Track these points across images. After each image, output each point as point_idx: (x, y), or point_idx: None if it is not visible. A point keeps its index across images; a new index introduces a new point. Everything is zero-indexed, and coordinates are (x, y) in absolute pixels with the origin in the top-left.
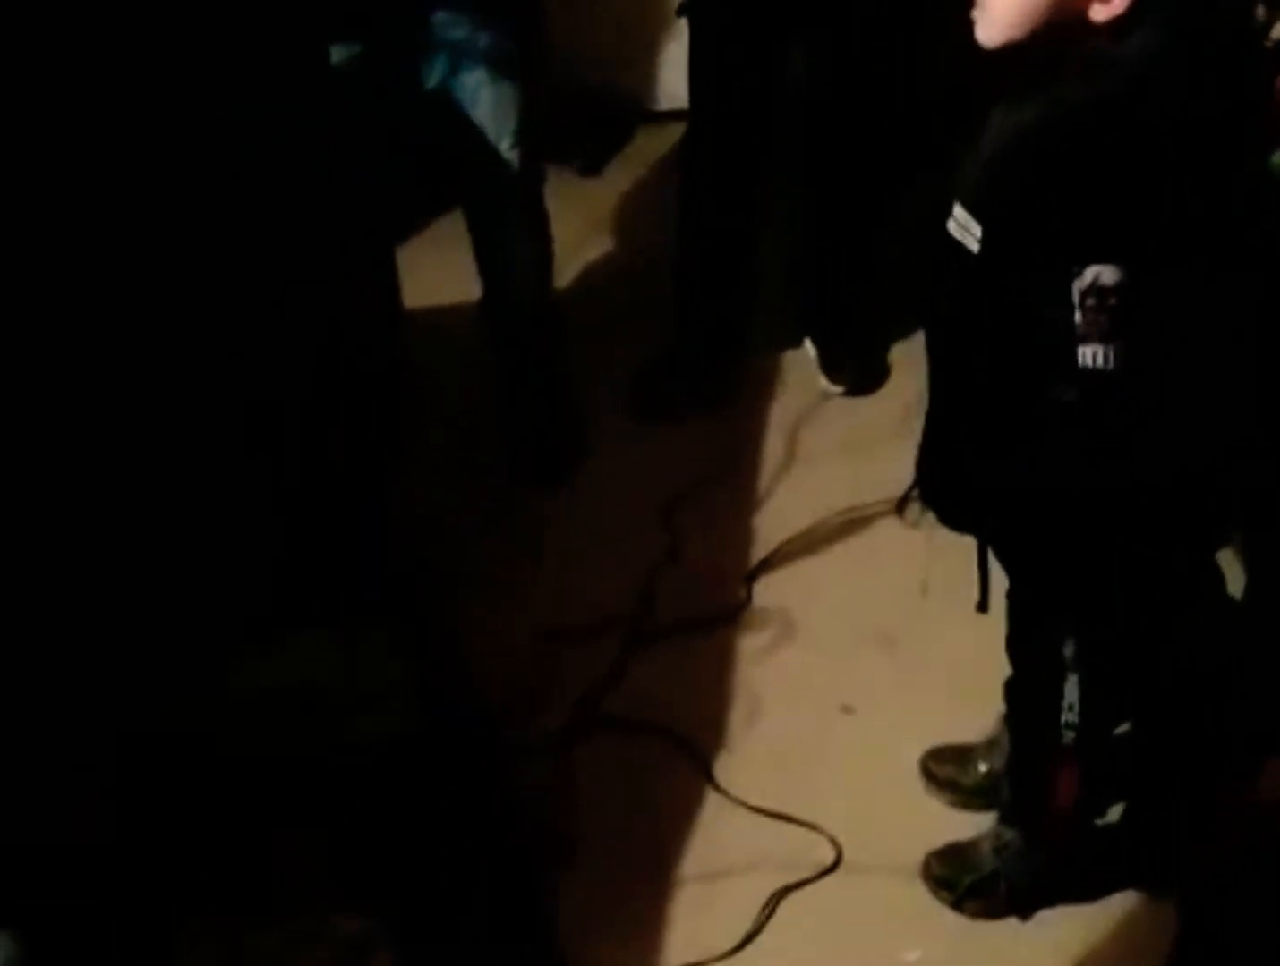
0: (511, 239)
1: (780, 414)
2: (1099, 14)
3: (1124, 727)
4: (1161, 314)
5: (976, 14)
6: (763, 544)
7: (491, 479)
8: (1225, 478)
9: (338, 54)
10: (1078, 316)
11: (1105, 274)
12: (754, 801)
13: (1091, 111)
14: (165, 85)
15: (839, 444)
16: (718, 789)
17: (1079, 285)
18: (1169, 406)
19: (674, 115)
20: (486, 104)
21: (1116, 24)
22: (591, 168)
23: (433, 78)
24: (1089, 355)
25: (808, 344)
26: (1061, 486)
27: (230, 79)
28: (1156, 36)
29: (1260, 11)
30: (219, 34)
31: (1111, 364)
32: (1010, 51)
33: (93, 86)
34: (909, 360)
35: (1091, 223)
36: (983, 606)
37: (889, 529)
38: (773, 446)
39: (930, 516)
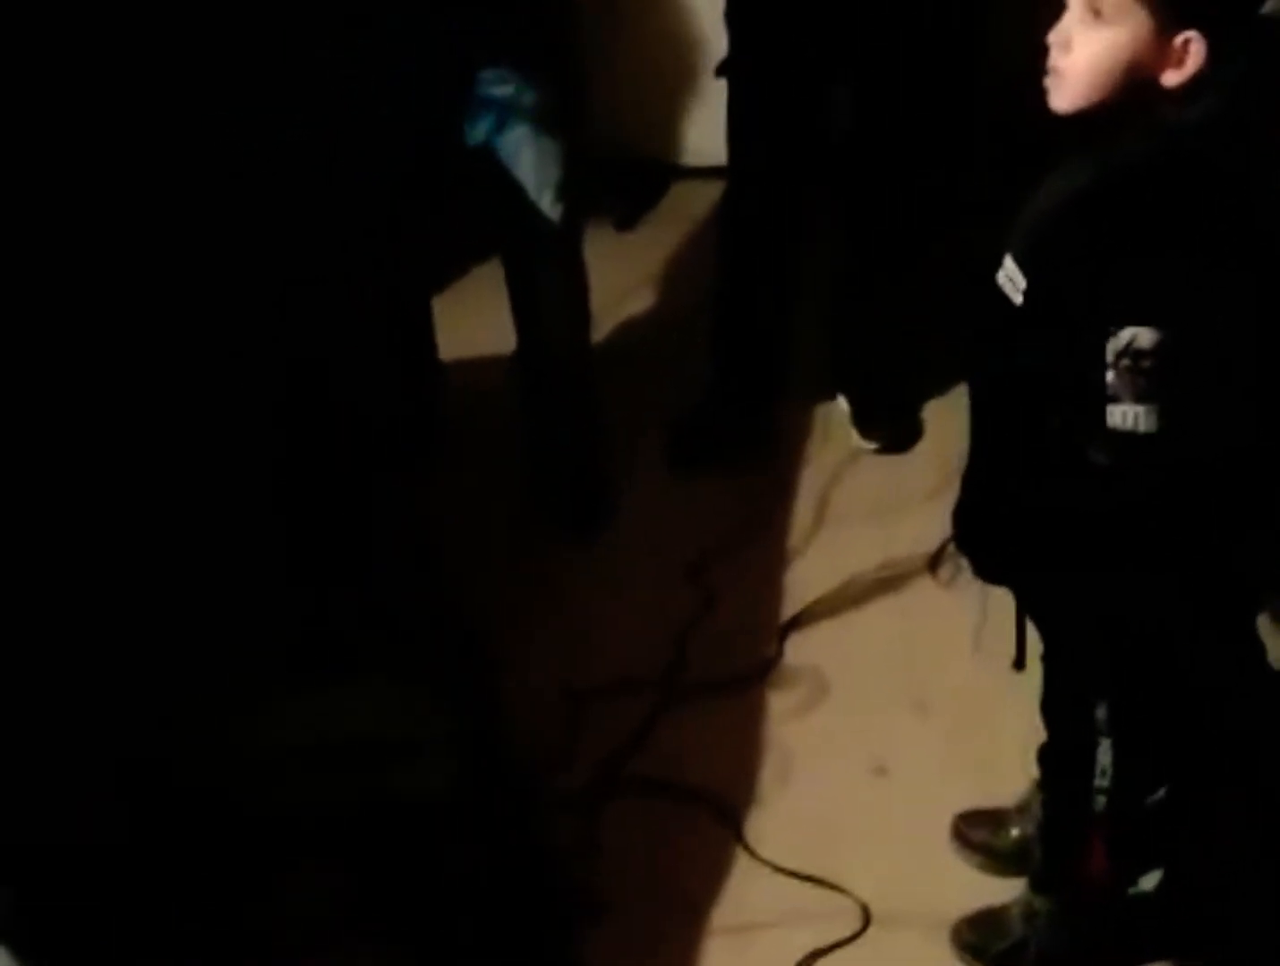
0: (551, 293)
1: (813, 470)
2: (1171, 79)
3: (1160, 795)
4: (1201, 378)
5: (1050, 81)
6: (794, 601)
7: (524, 532)
8: (1262, 546)
9: (386, 109)
10: (1111, 376)
11: (1142, 336)
12: (784, 862)
13: (1144, 176)
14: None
15: (872, 501)
16: (748, 849)
17: (1114, 345)
18: (1206, 473)
19: (706, 171)
20: (530, 160)
21: (1185, 89)
22: (626, 223)
23: (477, 134)
24: (1120, 415)
25: (841, 400)
26: (1096, 548)
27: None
28: (1219, 103)
29: None
30: (241, 90)
31: (1143, 426)
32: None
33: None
34: (943, 418)
35: (1132, 285)
36: (1019, 664)
37: (922, 587)
38: (805, 503)
39: (964, 575)
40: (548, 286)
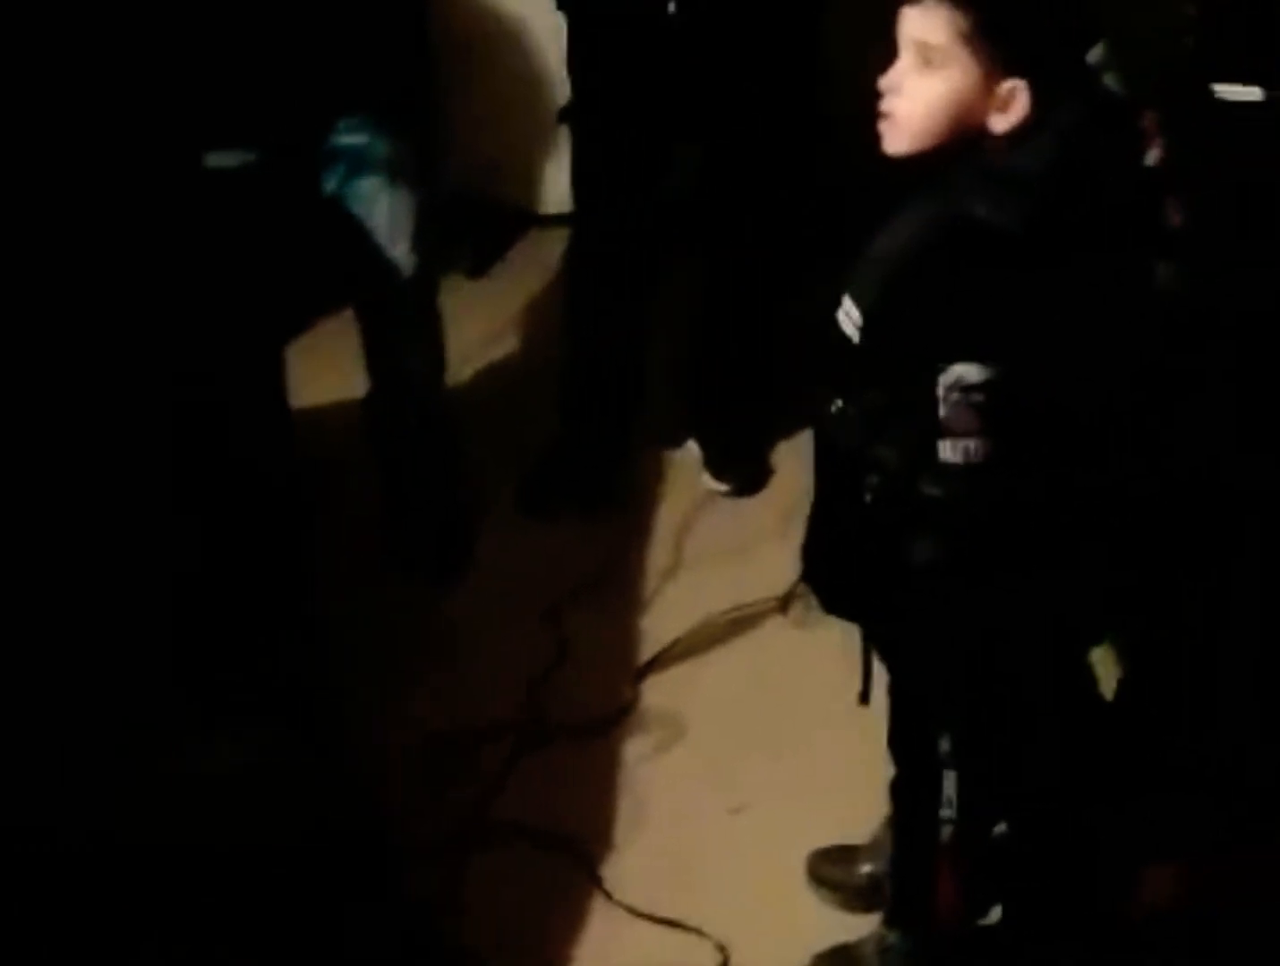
0: (406, 342)
1: (666, 514)
2: (998, 124)
3: (1004, 826)
4: (1029, 414)
5: (883, 126)
6: (650, 645)
7: (380, 580)
8: (1092, 580)
9: (235, 159)
10: (941, 410)
11: (971, 372)
12: (642, 906)
13: (973, 220)
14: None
15: (724, 544)
16: (605, 894)
17: (944, 380)
18: (1036, 507)
19: (560, 218)
20: (383, 210)
21: (1014, 136)
22: (480, 270)
23: (330, 183)
24: (948, 449)
25: (692, 443)
26: (932, 580)
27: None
28: (1050, 152)
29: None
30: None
31: (970, 459)
32: (913, 158)
33: None
34: (793, 460)
35: (961, 322)
36: (864, 697)
37: (775, 627)
38: (659, 546)
39: (816, 613)
40: (402, 335)
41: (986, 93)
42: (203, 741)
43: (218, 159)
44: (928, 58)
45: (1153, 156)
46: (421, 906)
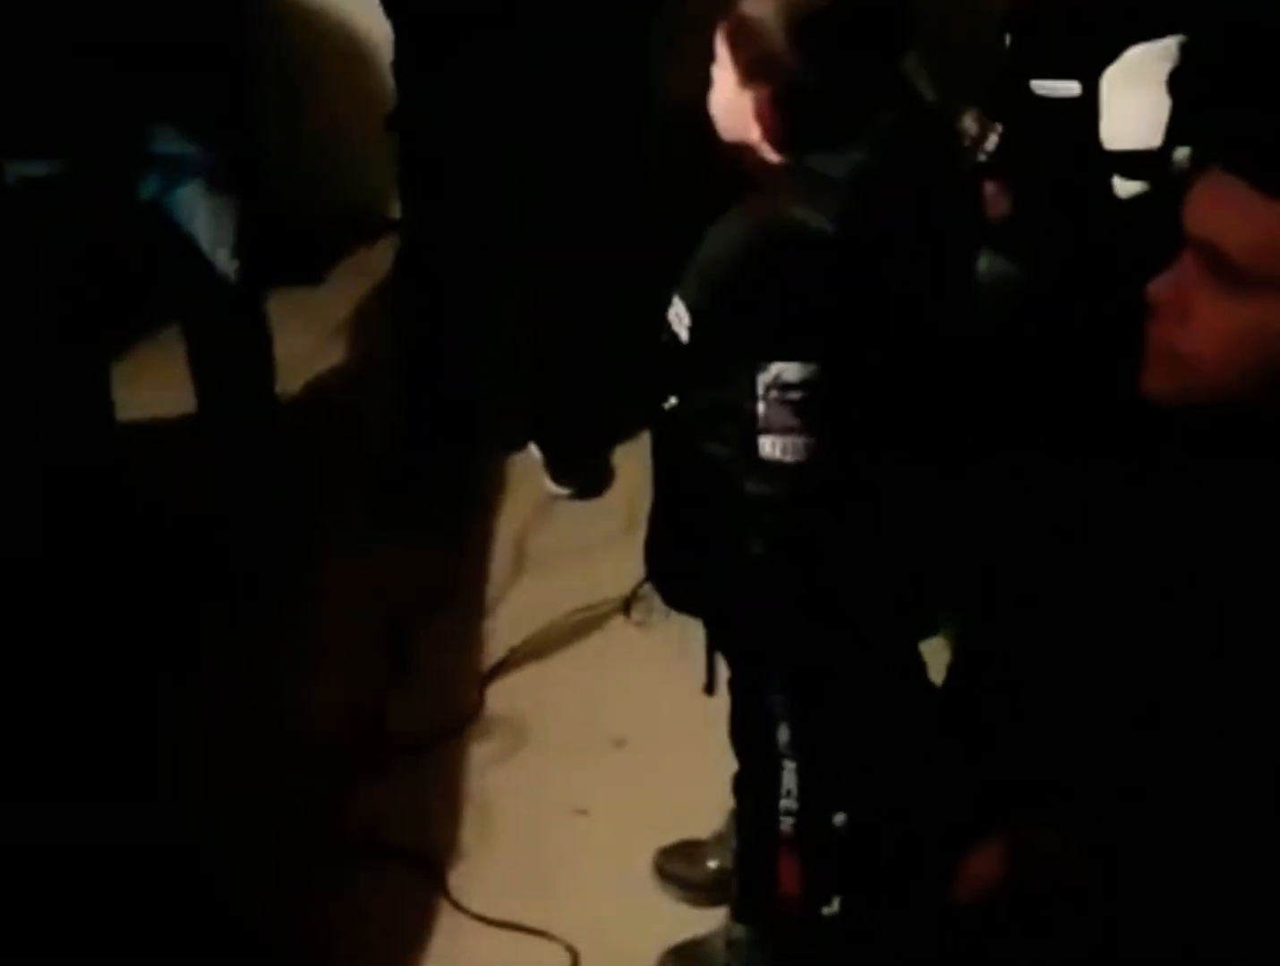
0: (230, 351)
1: (508, 518)
2: (753, 134)
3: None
4: (845, 411)
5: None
6: (495, 651)
7: (217, 596)
8: (920, 574)
9: (46, 167)
10: (760, 407)
11: (788, 371)
12: (490, 913)
13: (793, 227)
14: None
15: (567, 546)
16: (452, 902)
17: (763, 378)
18: (861, 503)
19: (391, 224)
20: (202, 218)
21: (828, 141)
22: (313, 277)
23: (147, 190)
24: (769, 445)
25: (533, 447)
26: (761, 575)
27: None
28: (861, 155)
29: (971, 125)
30: None
31: (791, 456)
32: (737, 163)
33: None
34: (634, 461)
35: (778, 325)
36: (709, 689)
37: (618, 628)
38: (501, 551)
39: (658, 614)
40: (226, 345)
41: (742, 99)
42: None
43: (22, 168)
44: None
45: (991, 143)
46: (262, 926)
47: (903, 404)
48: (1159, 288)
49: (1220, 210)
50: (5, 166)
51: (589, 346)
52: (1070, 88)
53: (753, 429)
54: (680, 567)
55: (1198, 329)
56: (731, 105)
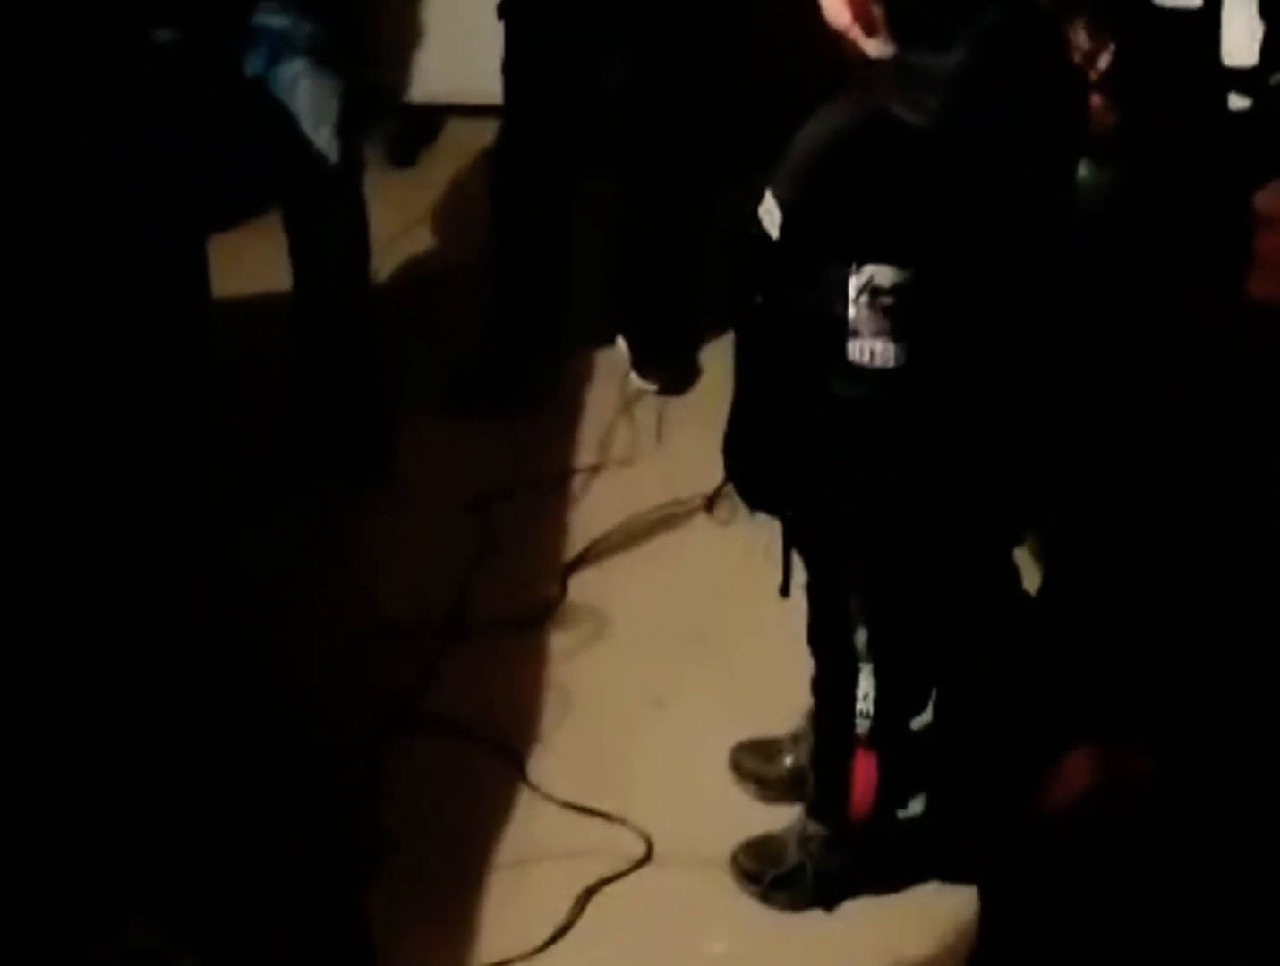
0: (329, 230)
1: (593, 412)
2: (855, 25)
3: (924, 718)
4: (945, 317)
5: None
6: (577, 541)
7: (302, 473)
8: (1012, 481)
9: (157, 37)
10: (851, 311)
11: (881, 274)
12: (566, 797)
13: (894, 126)
14: None
15: (652, 442)
16: (530, 785)
17: (855, 281)
18: (956, 410)
19: (484, 109)
20: (306, 94)
21: (931, 38)
22: (404, 160)
23: (253, 66)
24: (859, 350)
25: (620, 342)
26: (852, 477)
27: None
28: (962, 54)
29: (1083, 39)
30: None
31: (880, 361)
32: (837, 56)
33: None
34: (720, 359)
35: (875, 226)
36: (785, 590)
37: (700, 526)
38: (586, 444)
39: (741, 513)
40: (326, 223)
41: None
42: (113, 648)
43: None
44: None
45: (1105, 61)
46: (339, 797)
47: (998, 312)
48: (1269, 199)
49: None
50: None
51: (676, 240)
52: (1192, 0)
53: (843, 331)
54: (761, 467)
55: None
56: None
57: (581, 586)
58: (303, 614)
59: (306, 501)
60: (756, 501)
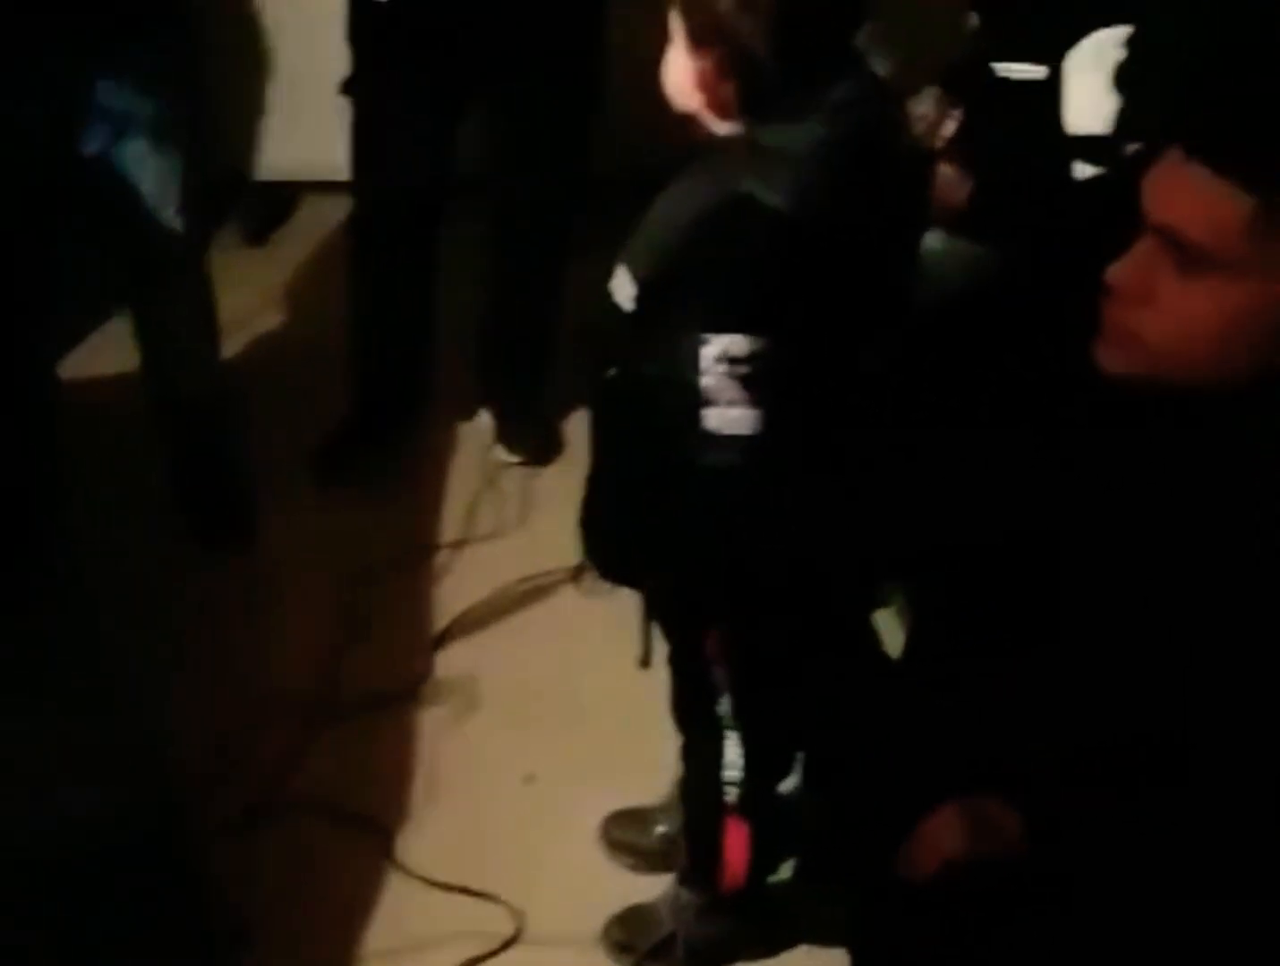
0: (176, 310)
1: (459, 485)
2: (701, 104)
3: (791, 783)
4: (797, 385)
5: None
6: (444, 616)
7: (166, 553)
8: (868, 546)
9: None
10: (707, 381)
11: (735, 343)
12: (437, 876)
13: (745, 200)
14: None
15: (517, 514)
16: (400, 866)
17: (709, 351)
18: (807, 476)
19: (338, 186)
20: (151, 173)
21: (785, 114)
22: (258, 238)
23: (94, 144)
24: (713, 418)
25: (484, 414)
26: (712, 546)
27: None
28: (817, 131)
29: (929, 107)
30: None
31: (735, 429)
32: (687, 134)
33: None
34: (583, 429)
35: (728, 297)
36: (645, 662)
37: (568, 596)
38: (452, 518)
39: (606, 584)
40: (172, 303)
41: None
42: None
43: None
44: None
45: (949, 128)
46: (210, 881)
47: (850, 379)
48: (1120, 272)
49: (1181, 195)
50: None
51: (538, 314)
52: (1034, 70)
53: (697, 401)
54: (619, 539)
55: (1161, 313)
56: (680, 74)
57: (450, 661)
58: (169, 694)
59: (169, 581)
60: (614, 575)
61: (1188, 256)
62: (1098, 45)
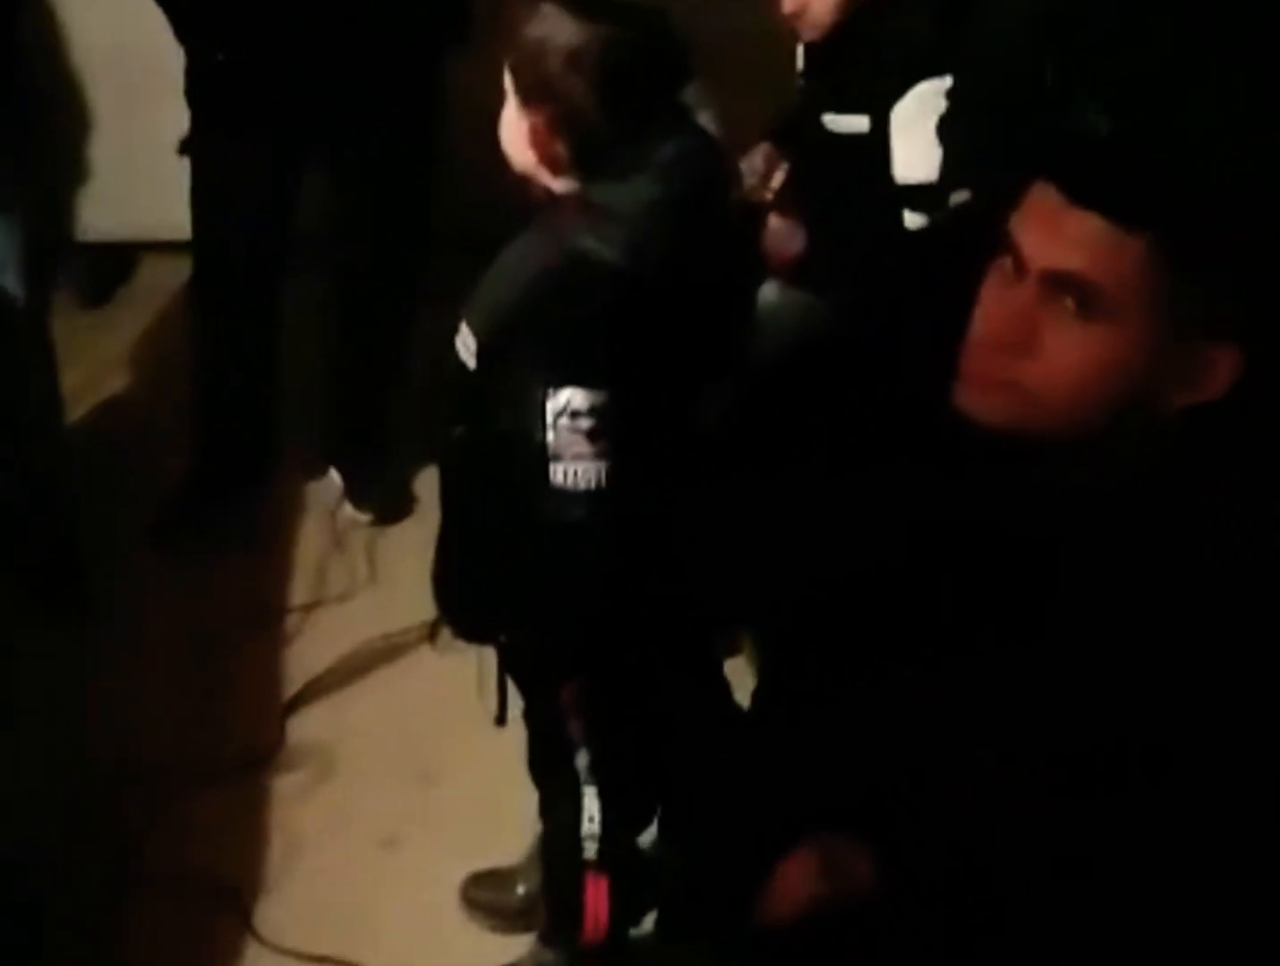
0: (18, 376)
1: (308, 545)
2: (534, 162)
3: (650, 835)
4: (638, 437)
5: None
6: (296, 679)
7: (10, 626)
8: (717, 596)
9: None
10: (550, 435)
11: (577, 397)
12: (296, 945)
13: (581, 257)
14: None
15: (368, 573)
16: (258, 937)
17: (552, 406)
18: (655, 527)
19: (178, 245)
20: None
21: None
22: (95, 300)
23: None
24: (560, 473)
25: (332, 473)
26: (562, 600)
27: None
28: (648, 188)
29: (758, 161)
30: None
31: (582, 483)
32: (525, 192)
33: None
34: (433, 487)
35: (568, 351)
36: (500, 720)
37: (422, 656)
38: (302, 579)
39: (461, 642)
40: (13, 369)
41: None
42: None
43: None
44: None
45: (778, 180)
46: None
47: (691, 429)
48: (994, 321)
49: (1074, 241)
50: None
51: (384, 373)
52: (860, 123)
53: (543, 456)
54: (471, 596)
55: (1044, 362)
56: (514, 131)
57: (304, 725)
58: (16, 769)
59: (14, 653)
60: (469, 632)
61: (1084, 302)
62: (921, 96)
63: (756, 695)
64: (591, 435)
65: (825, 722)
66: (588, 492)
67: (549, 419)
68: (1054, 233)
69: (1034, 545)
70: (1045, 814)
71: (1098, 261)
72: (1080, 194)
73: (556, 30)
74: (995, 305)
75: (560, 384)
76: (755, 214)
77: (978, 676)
